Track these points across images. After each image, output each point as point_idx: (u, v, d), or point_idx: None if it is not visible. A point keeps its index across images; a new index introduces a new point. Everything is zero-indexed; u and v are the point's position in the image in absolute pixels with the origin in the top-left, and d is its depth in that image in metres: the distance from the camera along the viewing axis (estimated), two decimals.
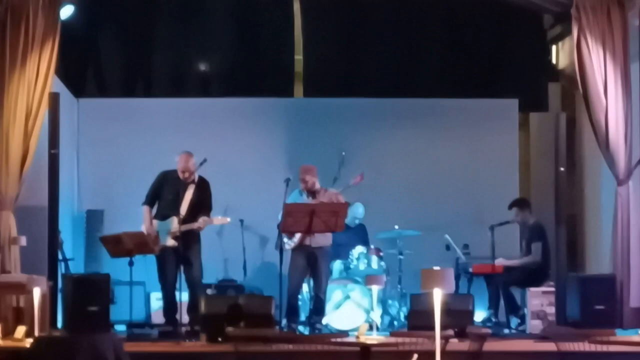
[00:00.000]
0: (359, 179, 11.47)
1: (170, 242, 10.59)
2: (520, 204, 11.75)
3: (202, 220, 10.62)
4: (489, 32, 13.43)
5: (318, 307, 10.87)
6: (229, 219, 10.98)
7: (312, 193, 10.90)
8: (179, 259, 10.63)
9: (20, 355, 7.58)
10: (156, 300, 11.73)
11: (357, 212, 11.97)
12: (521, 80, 13.39)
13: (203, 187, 10.80)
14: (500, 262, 11.22)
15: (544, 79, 13.46)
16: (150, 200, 10.89)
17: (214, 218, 10.76)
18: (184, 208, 10.62)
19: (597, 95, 10.49)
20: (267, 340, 8.60)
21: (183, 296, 10.74)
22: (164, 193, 10.86)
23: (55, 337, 8.55)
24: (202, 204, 10.74)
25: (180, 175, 10.74)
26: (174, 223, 10.60)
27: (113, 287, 10.81)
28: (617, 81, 10.46)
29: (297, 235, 10.71)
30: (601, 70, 10.49)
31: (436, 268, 5.58)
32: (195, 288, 10.70)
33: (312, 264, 10.85)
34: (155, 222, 10.77)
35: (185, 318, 10.64)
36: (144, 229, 10.68)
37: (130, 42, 13.42)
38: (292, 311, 10.78)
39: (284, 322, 10.58)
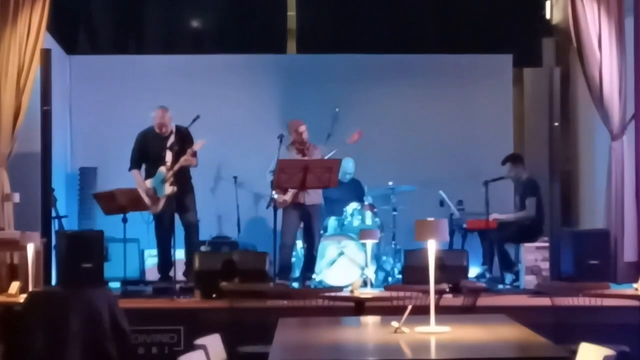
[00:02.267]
0: (356, 136, 11.24)
1: (169, 189, 10.53)
2: (514, 159, 11.71)
3: (185, 157, 10.50)
4: None
5: (311, 264, 10.89)
6: (204, 140, 10.55)
7: (301, 149, 10.84)
8: (177, 209, 10.61)
9: (14, 311, 7.60)
10: (150, 257, 11.71)
11: (347, 167, 11.83)
12: (515, 35, 13.38)
13: (182, 134, 10.72)
14: (494, 217, 11.21)
15: (538, 34, 13.44)
16: (136, 164, 10.90)
17: (194, 145, 10.58)
18: (168, 158, 10.58)
19: (591, 49, 10.42)
20: (261, 296, 8.61)
21: (178, 254, 10.74)
22: (148, 152, 10.85)
23: (50, 292, 8.56)
24: (186, 151, 10.66)
25: (158, 131, 10.76)
26: (163, 171, 10.58)
27: (107, 244, 10.77)
28: (611, 36, 10.39)
29: (290, 192, 10.67)
30: (595, 25, 10.42)
31: (430, 219, 5.54)
32: (192, 231, 10.78)
33: (305, 222, 10.86)
34: (148, 180, 10.76)
35: (179, 275, 10.64)
36: (140, 192, 10.63)
37: None
38: (286, 268, 10.78)
39: (277, 278, 10.58)
